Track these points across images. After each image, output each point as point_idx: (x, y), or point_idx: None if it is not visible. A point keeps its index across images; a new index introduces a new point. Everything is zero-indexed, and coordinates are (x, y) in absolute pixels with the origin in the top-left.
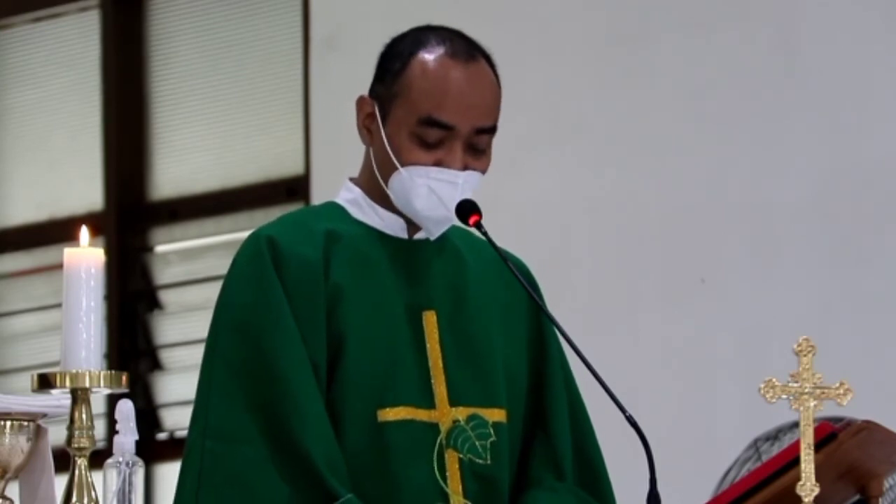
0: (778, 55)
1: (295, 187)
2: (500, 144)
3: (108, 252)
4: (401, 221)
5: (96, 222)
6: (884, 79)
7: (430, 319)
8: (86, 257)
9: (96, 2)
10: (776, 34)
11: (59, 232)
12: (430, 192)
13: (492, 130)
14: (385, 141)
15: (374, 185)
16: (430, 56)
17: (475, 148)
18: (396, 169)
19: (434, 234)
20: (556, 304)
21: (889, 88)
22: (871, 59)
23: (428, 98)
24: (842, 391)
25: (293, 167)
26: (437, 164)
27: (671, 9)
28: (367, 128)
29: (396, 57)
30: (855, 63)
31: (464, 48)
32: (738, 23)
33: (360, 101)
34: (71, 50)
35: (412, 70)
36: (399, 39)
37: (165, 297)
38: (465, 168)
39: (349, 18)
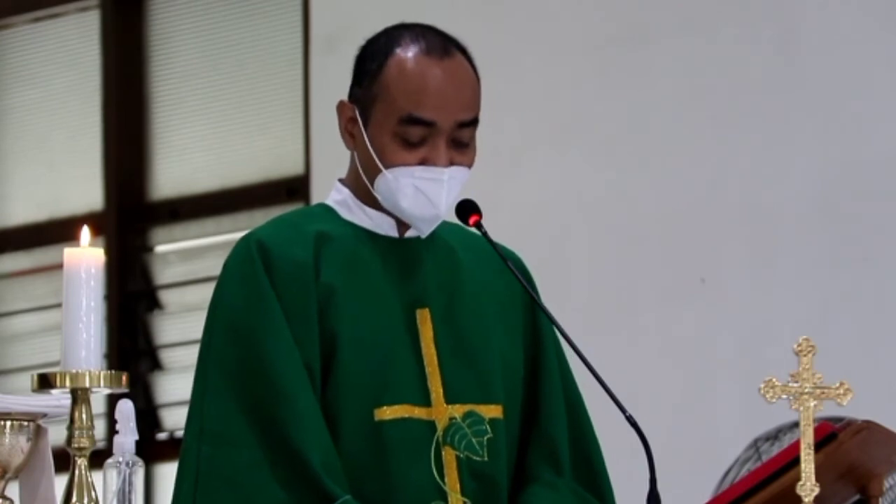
0: (778, 55)
1: (295, 187)
2: (499, 144)
3: (108, 252)
4: (390, 220)
5: (96, 222)
6: (884, 79)
7: (423, 317)
8: (86, 257)
9: (96, 2)
10: (776, 34)
11: (59, 232)
12: (417, 192)
13: (473, 123)
14: (368, 144)
15: (361, 187)
16: (405, 55)
17: (459, 142)
18: (381, 171)
19: (425, 232)
20: (556, 303)
21: (889, 88)
22: (871, 59)
23: (407, 97)
24: (842, 391)
25: (293, 167)
26: (422, 162)
27: (671, 9)
28: (349, 132)
29: (372, 58)
30: (855, 63)
31: (438, 43)
32: (738, 23)
33: (341, 106)
34: (71, 50)
35: (389, 70)
36: (373, 41)
37: (165, 297)
38: (450, 164)
39: (349, 18)
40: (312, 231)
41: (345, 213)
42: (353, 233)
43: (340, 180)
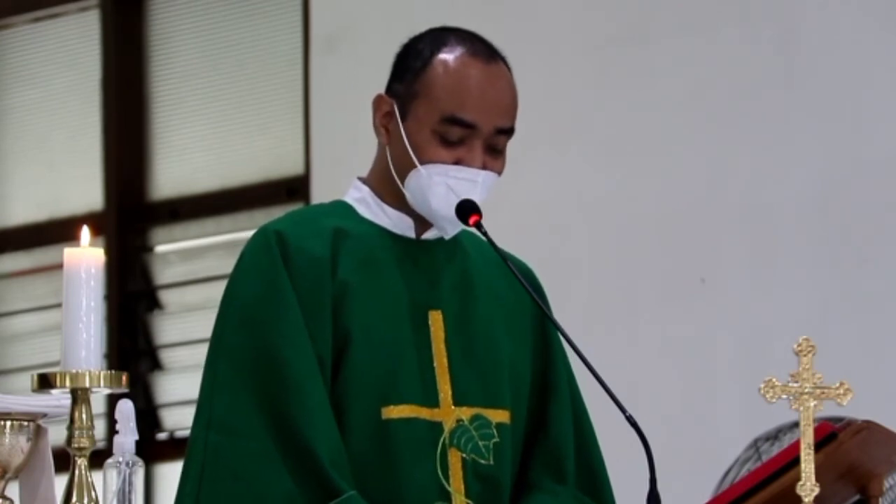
0: (778, 55)
1: (295, 187)
2: None
3: (108, 252)
4: (409, 221)
5: (96, 222)
6: (883, 79)
7: (436, 319)
8: (86, 257)
9: (96, 2)
10: (776, 34)
11: (59, 232)
12: (449, 191)
13: (510, 132)
14: (405, 139)
15: (385, 184)
16: (451, 55)
17: (493, 148)
18: (415, 167)
19: (449, 233)
20: (556, 304)
21: (888, 89)
22: (871, 59)
23: (451, 96)
24: (842, 391)
25: (293, 167)
26: (457, 162)
27: (671, 9)
28: (384, 126)
29: (416, 56)
30: (854, 63)
31: (483, 48)
32: (738, 23)
33: (378, 100)
34: (71, 50)
35: (434, 69)
36: (418, 39)
37: (165, 297)
38: (483, 167)
39: (349, 18)
40: (330, 226)
41: (363, 211)
42: (371, 231)
43: (360, 178)
